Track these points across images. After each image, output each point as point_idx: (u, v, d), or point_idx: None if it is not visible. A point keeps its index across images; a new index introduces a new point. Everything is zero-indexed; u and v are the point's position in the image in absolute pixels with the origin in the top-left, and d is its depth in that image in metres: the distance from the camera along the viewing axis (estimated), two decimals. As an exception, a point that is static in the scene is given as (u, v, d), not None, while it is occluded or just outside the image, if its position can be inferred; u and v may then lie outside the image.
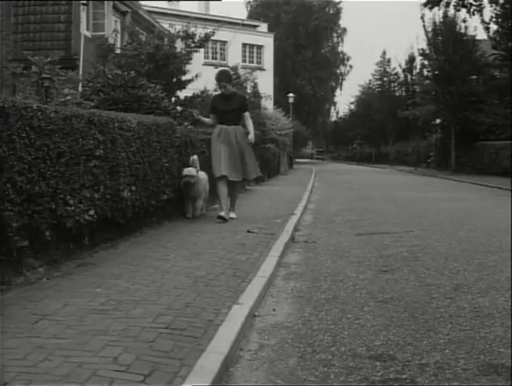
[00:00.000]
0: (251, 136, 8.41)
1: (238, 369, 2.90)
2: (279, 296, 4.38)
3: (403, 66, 42.30)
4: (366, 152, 57.64)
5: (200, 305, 3.63)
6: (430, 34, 26.71)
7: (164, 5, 38.83)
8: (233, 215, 8.23)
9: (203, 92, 15.40)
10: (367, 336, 3.38)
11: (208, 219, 8.11)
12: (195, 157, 8.20)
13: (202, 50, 17.58)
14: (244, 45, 39.32)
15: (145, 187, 6.53)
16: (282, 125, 24.84)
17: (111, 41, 15.53)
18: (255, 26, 44.14)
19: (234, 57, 34.43)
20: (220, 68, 9.55)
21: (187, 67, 14.38)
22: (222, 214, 7.78)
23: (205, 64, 24.03)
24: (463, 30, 26.51)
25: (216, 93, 9.72)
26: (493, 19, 25.30)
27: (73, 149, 4.97)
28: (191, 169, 7.87)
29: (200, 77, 15.18)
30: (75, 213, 4.97)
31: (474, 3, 26.36)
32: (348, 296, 4.34)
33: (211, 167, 8.13)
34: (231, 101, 8.16)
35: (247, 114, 8.46)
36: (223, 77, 8.31)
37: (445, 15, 26.69)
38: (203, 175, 8.20)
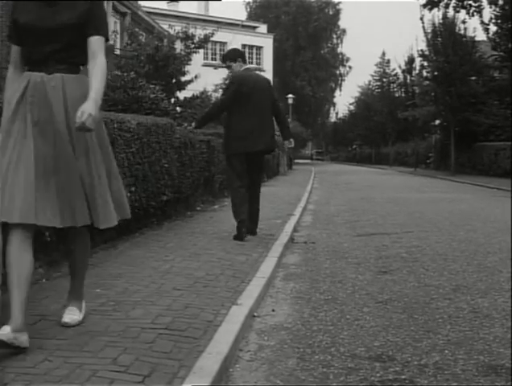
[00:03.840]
0: (91, 96, 2.83)
1: (237, 370, 2.90)
2: (278, 297, 4.38)
3: (403, 67, 42.34)
4: (366, 153, 57.73)
5: (200, 306, 3.63)
6: (429, 36, 26.72)
7: (164, 6, 38.91)
8: (74, 316, 3.16)
9: (202, 92, 15.42)
10: (366, 337, 3.38)
11: (204, 220, 8.08)
12: None
13: (201, 51, 17.61)
14: (243, 46, 39.36)
15: (144, 188, 6.53)
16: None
17: (111, 42, 15.55)
18: (255, 27, 44.24)
19: (234, 58, 34.45)
20: None
21: (187, 68, 14.40)
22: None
23: (205, 65, 24.04)
24: (462, 32, 26.53)
25: None
26: (493, 20, 25.32)
27: (73, 149, 4.96)
28: None
29: (200, 78, 15.20)
30: (74, 214, 4.96)
31: (473, 4, 26.38)
32: (348, 297, 4.34)
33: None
34: (59, 7, 3.00)
35: (98, 40, 3.02)
36: None
37: (445, 16, 26.70)
38: None
